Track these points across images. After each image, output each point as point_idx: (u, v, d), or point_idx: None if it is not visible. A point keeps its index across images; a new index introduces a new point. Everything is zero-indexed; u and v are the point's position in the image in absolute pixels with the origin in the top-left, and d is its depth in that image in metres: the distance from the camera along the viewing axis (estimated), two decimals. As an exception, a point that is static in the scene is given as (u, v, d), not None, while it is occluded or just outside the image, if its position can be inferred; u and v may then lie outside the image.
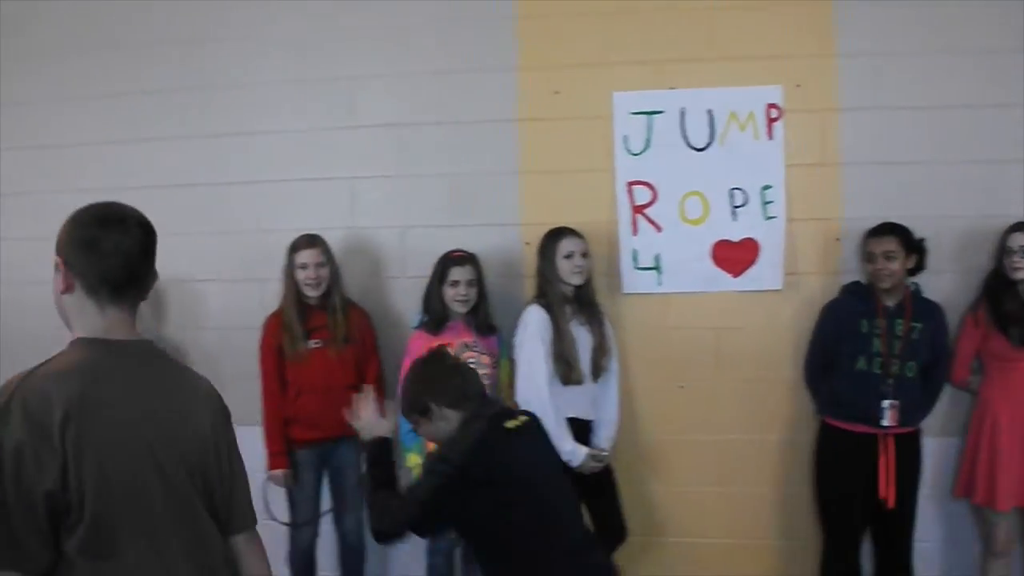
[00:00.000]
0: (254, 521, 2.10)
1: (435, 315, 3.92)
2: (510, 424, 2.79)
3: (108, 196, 4.45)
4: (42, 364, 1.82)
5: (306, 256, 4.01)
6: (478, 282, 3.92)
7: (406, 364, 3.87)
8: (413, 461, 3.87)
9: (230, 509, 2.01)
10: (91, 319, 1.90)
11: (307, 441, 4.01)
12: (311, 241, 4.03)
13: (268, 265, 4.35)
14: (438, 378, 2.84)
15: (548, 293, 3.83)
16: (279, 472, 4.01)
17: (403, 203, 4.29)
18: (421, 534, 2.85)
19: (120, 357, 1.88)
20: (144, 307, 2.04)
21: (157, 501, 1.84)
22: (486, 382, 3.80)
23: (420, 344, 3.87)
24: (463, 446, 2.67)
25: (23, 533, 1.70)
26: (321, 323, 4.01)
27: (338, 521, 4.16)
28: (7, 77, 4.84)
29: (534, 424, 2.91)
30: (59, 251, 1.91)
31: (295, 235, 4.21)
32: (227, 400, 2.07)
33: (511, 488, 2.66)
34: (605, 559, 3.07)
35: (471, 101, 4.22)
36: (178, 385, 1.98)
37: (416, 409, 2.83)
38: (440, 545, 3.95)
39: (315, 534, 4.12)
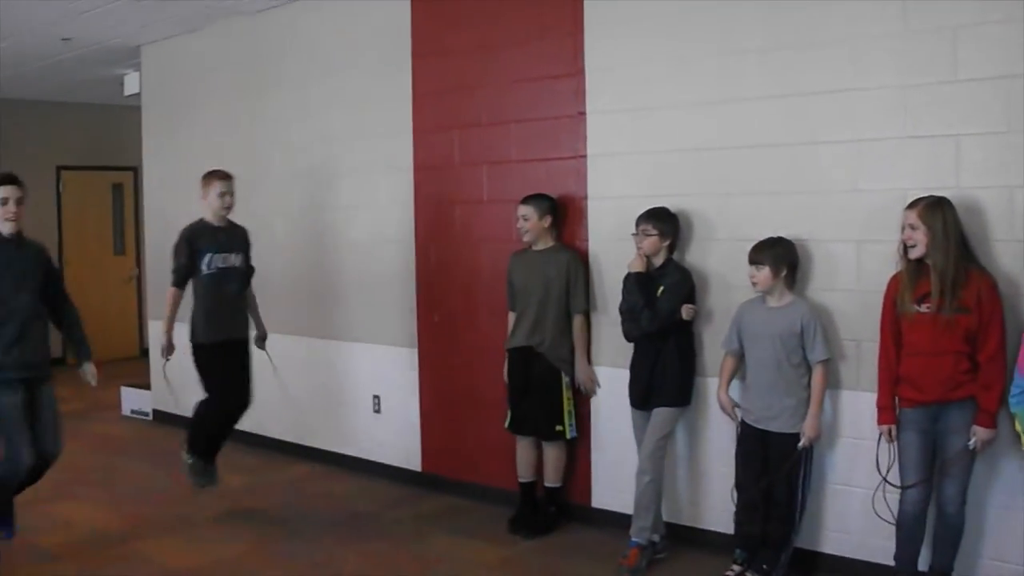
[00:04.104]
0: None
1: None
2: None
3: (700, 157, 5.32)
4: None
5: (903, 216, 4.33)
6: None
7: None
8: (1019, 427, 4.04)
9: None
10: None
11: (913, 402, 4.35)
12: (911, 203, 4.32)
13: (864, 226, 4.74)
14: None
15: None
16: (883, 427, 4.45)
17: (1014, 161, 4.32)
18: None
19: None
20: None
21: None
22: None
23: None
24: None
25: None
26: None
27: (938, 488, 4.39)
28: (593, 45, 5.73)
29: None
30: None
31: (892, 195, 4.56)
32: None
33: None
34: None
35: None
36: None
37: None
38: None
39: (923, 498, 4.38)
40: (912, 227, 4.30)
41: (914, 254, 4.31)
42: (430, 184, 6.67)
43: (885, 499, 4.48)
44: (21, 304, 5.25)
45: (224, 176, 6.25)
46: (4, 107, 11.70)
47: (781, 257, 4.80)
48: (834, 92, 4.84)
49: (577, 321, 5.76)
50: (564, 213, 5.88)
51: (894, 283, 4.45)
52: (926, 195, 4.34)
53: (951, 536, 4.43)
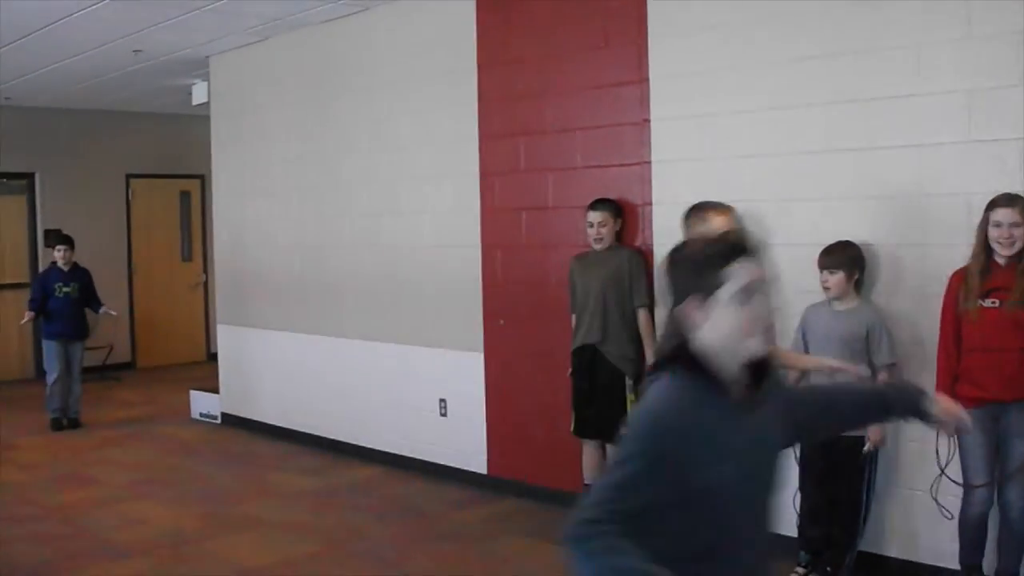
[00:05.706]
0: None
1: None
2: None
3: (764, 163, 5.34)
4: None
5: (1002, 215, 4.31)
6: None
7: None
8: None
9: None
10: None
11: (974, 401, 4.29)
12: (1010, 200, 4.32)
13: (929, 230, 4.81)
14: None
15: None
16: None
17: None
18: None
19: None
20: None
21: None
22: None
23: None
24: None
25: None
26: (1004, 283, 4.30)
27: (1001, 492, 4.44)
28: (657, 53, 5.87)
29: None
30: None
31: (958, 199, 4.64)
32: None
33: None
34: None
35: None
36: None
37: None
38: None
39: (987, 500, 4.43)
40: (1014, 224, 4.30)
41: (1011, 251, 4.31)
42: (496, 190, 6.84)
43: (935, 496, 4.57)
44: None
45: (724, 210, 4.90)
46: (77, 117, 12.18)
47: (854, 261, 4.88)
48: (898, 97, 4.92)
49: (641, 316, 5.89)
50: (626, 218, 6.03)
51: (956, 279, 4.48)
52: (1007, 192, 4.37)
53: (1015, 540, 4.47)
